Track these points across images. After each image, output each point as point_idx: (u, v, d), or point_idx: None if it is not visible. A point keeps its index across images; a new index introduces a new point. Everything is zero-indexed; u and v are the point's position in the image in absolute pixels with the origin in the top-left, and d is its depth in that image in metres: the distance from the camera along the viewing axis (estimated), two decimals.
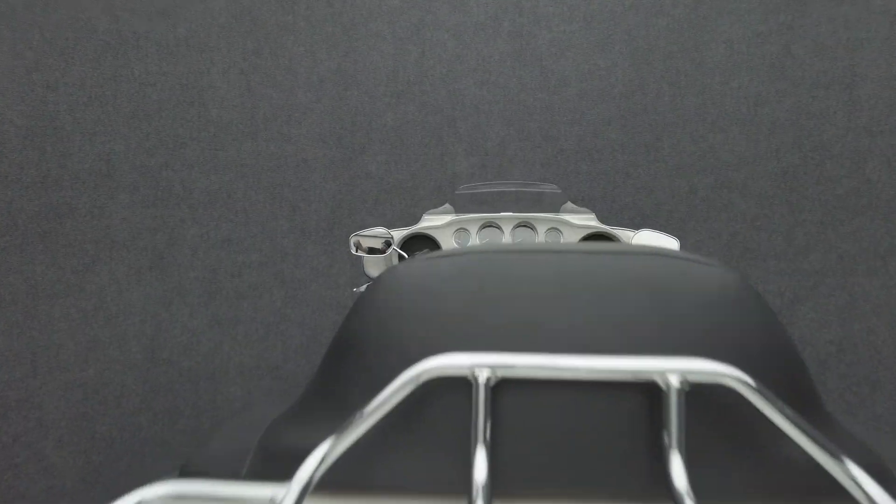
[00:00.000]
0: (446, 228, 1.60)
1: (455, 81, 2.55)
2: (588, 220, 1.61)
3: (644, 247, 0.50)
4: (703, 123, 2.40)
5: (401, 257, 1.44)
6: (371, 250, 1.47)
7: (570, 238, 1.58)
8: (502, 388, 0.40)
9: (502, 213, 1.60)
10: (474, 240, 1.60)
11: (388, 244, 1.48)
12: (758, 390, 0.39)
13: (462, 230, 1.61)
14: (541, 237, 1.60)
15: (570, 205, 1.66)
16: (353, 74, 2.49)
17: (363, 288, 1.27)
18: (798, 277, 2.24)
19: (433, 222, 1.62)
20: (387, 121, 2.63)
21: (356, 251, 1.49)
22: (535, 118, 2.49)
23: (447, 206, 1.66)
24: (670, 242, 1.43)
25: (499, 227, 1.62)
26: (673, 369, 0.39)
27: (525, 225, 1.62)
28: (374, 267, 1.62)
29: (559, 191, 1.70)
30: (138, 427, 2.25)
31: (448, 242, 1.59)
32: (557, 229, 1.60)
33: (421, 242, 1.60)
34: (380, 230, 1.48)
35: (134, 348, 2.27)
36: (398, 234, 1.60)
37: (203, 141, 2.31)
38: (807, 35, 2.19)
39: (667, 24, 2.41)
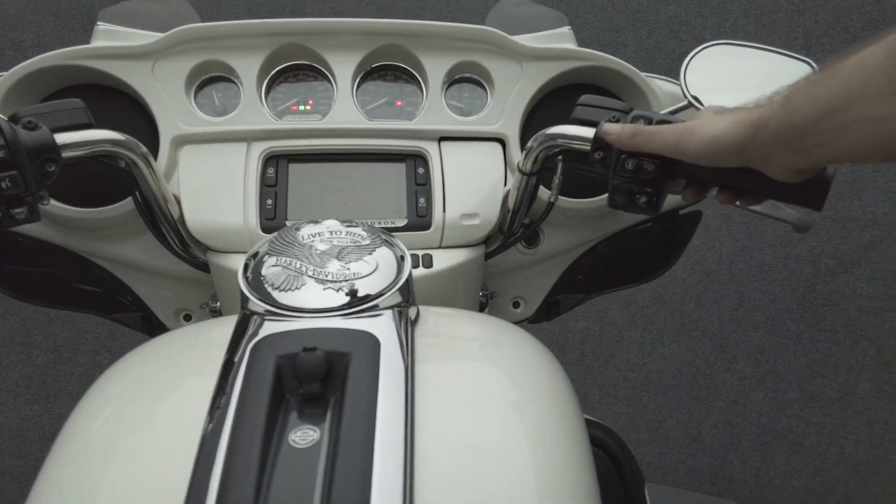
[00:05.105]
0: (171, 62, 0.59)
1: None
2: (555, 41, 0.65)
3: None
4: None
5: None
6: None
7: (519, 94, 0.63)
8: None
9: (329, 21, 0.62)
10: (255, 102, 0.61)
11: None
12: None
13: (220, 80, 0.62)
14: (435, 100, 0.63)
15: None
16: None
17: None
18: None
19: (123, 40, 0.59)
20: None
21: None
22: None
23: None
24: None
25: (326, 77, 0.63)
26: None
27: (395, 68, 0.64)
28: None
29: None
30: None
31: (172, 106, 0.60)
32: (477, 82, 0.64)
33: (92, 98, 0.57)
34: None
35: None
36: None
37: None
38: None
39: None
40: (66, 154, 0.45)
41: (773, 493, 1.61)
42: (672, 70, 1.60)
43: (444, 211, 0.60)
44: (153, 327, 0.68)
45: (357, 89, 0.62)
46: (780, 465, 1.60)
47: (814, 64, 0.52)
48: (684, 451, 1.67)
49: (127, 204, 0.57)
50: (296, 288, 0.38)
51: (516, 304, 0.72)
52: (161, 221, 0.57)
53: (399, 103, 0.64)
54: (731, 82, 0.52)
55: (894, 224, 1.42)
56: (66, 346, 1.54)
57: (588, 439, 0.39)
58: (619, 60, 0.63)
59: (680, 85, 0.54)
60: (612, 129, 0.46)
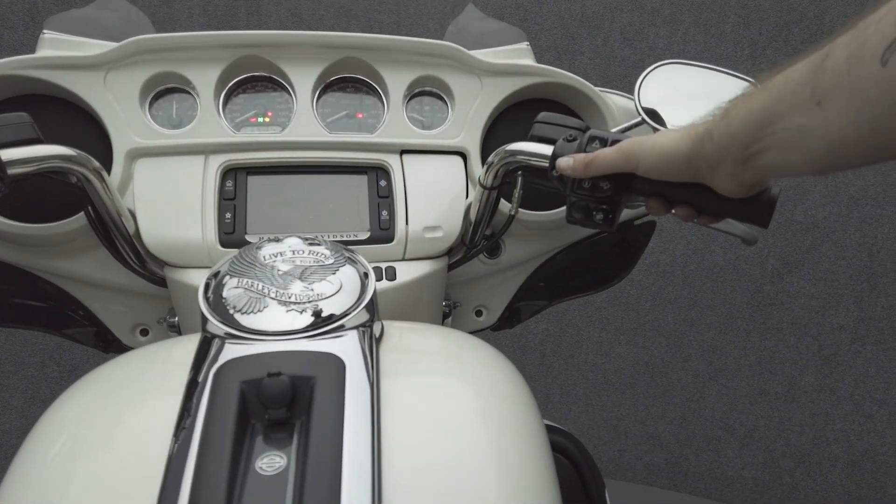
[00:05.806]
0: (124, 73, 0.58)
1: None
2: (514, 56, 0.66)
3: None
4: None
5: None
6: None
7: (479, 109, 0.64)
8: None
9: (288, 33, 0.61)
10: (212, 114, 0.59)
11: None
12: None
13: (175, 91, 0.60)
14: (396, 114, 0.63)
15: (472, 10, 0.71)
16: None
17: None
18: None
19: (73, 49, 0.57)
20: None
21: None
22: None
23: None
24: None
25: (286, 89, 0.62)
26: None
27: (355, 81, 0.64)
28: None
29: None
30: None
31: (125, 119, 0.57)
32: (437, 95, 0.65)
33: (39, 109, 0.55)
34: None
35: None
36: None
37: None
38: None
39: None
40: (11, 171, 0.43)
41: (726, 485, 1.68)
42: (627, 76, 1.63)
43: (406, 224, 0.60)
44: (108, 343, 0.66)
45: (317, 101, 0.62)
46: (731, 457, 1.66)
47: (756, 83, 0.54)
48: (642, 447, 1.72)
49: (79, 219, 0.55)
50: (258, 310, 0.37)
51: (479, 313, 0.73)
52: (116, 237, 0.55)
53: (360, 116, 0.63)
54: (681, 99, 0.54)
55: (833, 227, 1.50)
56: (10, 358, 1.47)
57: (549, 446, 0.40)
58: (576, 77, 0.65)
59: (634, 101, 0.56)
60: (566, 164, 0.47)
